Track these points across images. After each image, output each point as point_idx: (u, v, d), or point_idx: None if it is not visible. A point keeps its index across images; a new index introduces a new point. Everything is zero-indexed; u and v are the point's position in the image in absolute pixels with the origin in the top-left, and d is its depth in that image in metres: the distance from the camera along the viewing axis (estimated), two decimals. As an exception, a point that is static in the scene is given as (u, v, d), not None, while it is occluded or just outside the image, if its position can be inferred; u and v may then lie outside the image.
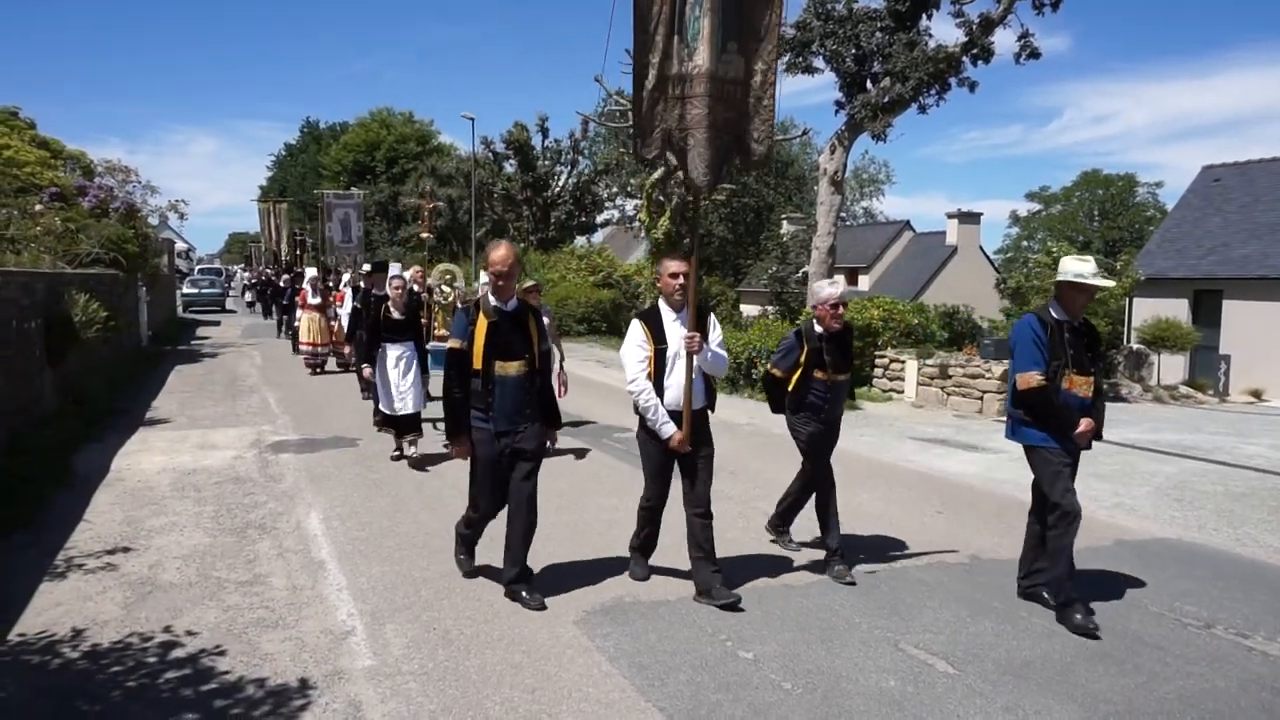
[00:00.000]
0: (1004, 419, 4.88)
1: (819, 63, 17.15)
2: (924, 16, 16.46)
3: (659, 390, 4.64)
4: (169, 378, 14.16)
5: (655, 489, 4.89)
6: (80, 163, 18.29)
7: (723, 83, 4.47)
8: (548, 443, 4.90)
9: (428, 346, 8.95)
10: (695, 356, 4.58)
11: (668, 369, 4.65)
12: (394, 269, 9.20)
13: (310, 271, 17.47)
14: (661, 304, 4.78)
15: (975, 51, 16.10)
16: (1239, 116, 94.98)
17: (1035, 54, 16.03)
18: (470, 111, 63.83)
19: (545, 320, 9.35)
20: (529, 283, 11.27)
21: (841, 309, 5.30)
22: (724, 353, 4.84)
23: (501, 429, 4.53)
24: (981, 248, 35.55)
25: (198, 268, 48.41)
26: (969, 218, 34.71)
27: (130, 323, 17.10)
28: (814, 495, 5.47)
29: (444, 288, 13.63)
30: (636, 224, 30.43)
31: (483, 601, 4.66)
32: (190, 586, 4.83)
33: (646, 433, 4.76)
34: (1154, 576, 5.32)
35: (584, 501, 6.79)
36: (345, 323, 12.73)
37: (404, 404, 8.00)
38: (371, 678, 3.77)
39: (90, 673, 3.77)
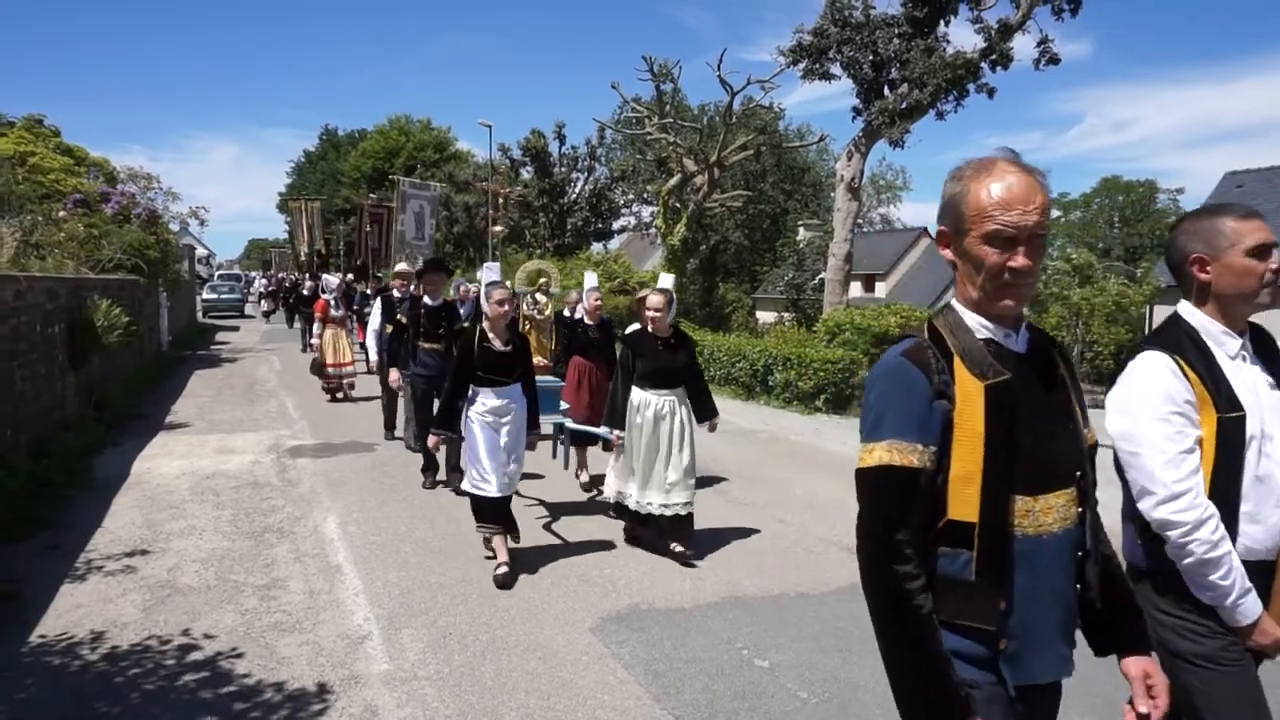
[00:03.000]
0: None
1: (836, 69, 17.17)
2: (942, 22, 16.44)
3: (1228, 517, 2.07)
4: (189, 382, 14.28)
5: None
6: (103, 170, 18.55)
7: None
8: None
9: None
10: None
11: (1249, 466, 2.11)
12: (489, 272, 5.58)
13: (330, 279, 14.33)
14: (1199, 318, 2.22)
15: (994, 57, 16.06)
16: (1263, 122, 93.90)
17: (1055, 60, 15.97)
18: (487, 119, 64.14)
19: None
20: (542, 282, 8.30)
21: None
22: None
23: (1031, 677, 1.75)
24: (1000, 255, 35.28)
25: (217, 273, 48.93)
26: (987, 224, 34.45)
27: (151, 327, 17.27)
28: None
29: (536, 296, 9.87)
30: (653, 230, 30.49)
31: (499, 607, 4.66)
32: (208, 590, 4.86)
33: (1193, 616, 2.14)
34: (1176, 587, 5.24)
35: (599, 506, 6.78)
36: (372, 343, 9.55)
37: (513, 481, 5.32)
38: (388, 682, 3.77)
39: (110, 674, 3.80)
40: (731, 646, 4.21)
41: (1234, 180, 25.45)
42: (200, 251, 47.45)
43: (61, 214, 12.84)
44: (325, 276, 14.95)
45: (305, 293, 22.20)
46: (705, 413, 5.73)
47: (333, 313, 12.74)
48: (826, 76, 17.20)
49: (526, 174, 36.45)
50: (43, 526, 5.88)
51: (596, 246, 37.69)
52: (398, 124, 54.32)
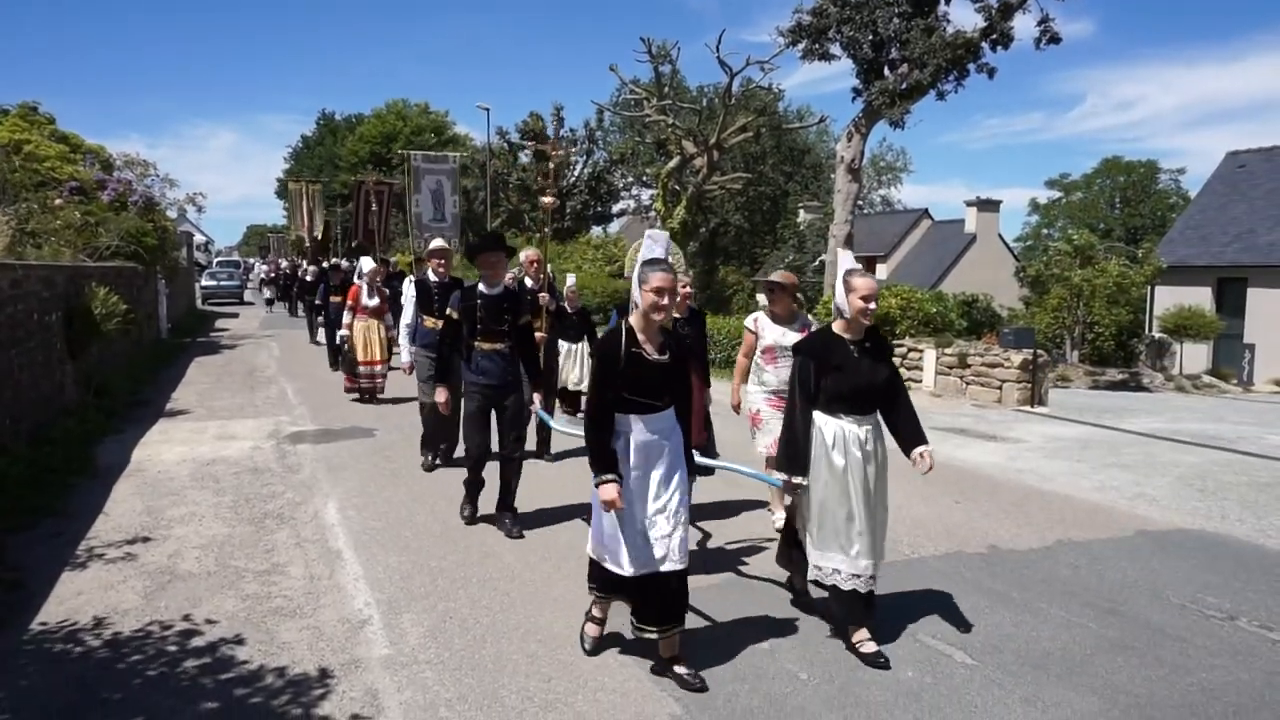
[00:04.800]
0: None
1: (836, 49, 17.04)
2: (942, 1, 16.30)
3: None
4: (188, 369, 14.28)
5: None
6: (99, 157, 18.39)
7: None
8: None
9: None
10: None
11: None
12: (654, 245, 3.91)
13: (365, 263, 11.74)
14: None
15: (994, 37, 15.95)
16: (1265, 101, 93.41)
17: (1056, 39, 15.85)
18: (485, 102, 63.87)
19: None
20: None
21: None
22: None
23: None
24: (1001, 236, 35.23)
25: (216, 260, 48.82)
26: (988, 205, 34.40)
27: (150, 315, 17.25)
28: None
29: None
30: (652, 213, 30.38)
31: (499, 591, 4.66)
32: (209, 576, 4.87)
33: None
34: (1176, 568, 5.26)
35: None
36: (405, 340, 7.80)
37: (667, 553, 3.61)
38: (388, 666, 3.78)
39: (111, 661, 3.81)
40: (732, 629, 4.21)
41: (1236, 160, 25.32)
42: (199, 238, 47.38)
43: (58, 202, 12.77)
44: (363, 259, 12.58)
45: (309, 279, 21.28)
46: (914, 439, 4.02)
47: (365, 301, 10.93)
48: (826, 57, 17.07)
49: (525, 157, 36.32)
50: (45, 514, 5.89)
51: (596, 230, 37.62)
52: (395, 108, 54.04)
